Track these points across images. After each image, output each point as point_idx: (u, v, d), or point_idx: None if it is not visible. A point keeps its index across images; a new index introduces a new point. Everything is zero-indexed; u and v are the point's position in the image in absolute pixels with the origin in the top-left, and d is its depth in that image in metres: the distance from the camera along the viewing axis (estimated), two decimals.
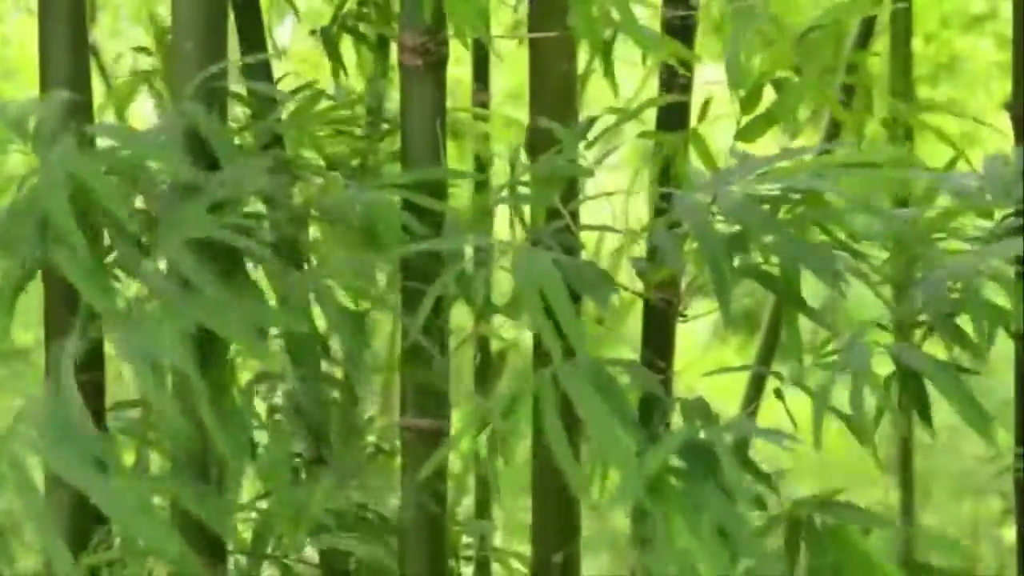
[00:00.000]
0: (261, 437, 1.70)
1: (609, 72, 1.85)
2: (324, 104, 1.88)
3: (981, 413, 1.49)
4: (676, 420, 1.51)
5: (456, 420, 1.70)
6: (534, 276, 1.46)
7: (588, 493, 1.43)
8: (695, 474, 1.40)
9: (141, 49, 2.29)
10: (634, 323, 1.97)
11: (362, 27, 2.08)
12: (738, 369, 2.22)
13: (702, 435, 1.43)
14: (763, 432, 1.45)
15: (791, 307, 1.55)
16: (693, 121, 1.91)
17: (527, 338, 1.78)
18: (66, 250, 1.47)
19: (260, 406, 1.76)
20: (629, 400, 1.45)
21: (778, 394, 1.56)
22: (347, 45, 2.19)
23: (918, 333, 1.59)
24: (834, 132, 2.62)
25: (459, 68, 2.30)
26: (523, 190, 1.72)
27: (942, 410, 1.55)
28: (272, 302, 1.56)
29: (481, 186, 2.23)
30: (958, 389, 1.50)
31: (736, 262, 1.51)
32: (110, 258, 1.54)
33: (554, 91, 1.77)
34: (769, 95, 1.80)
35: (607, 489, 1.42)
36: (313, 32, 2.06)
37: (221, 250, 1.52)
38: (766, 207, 1.53)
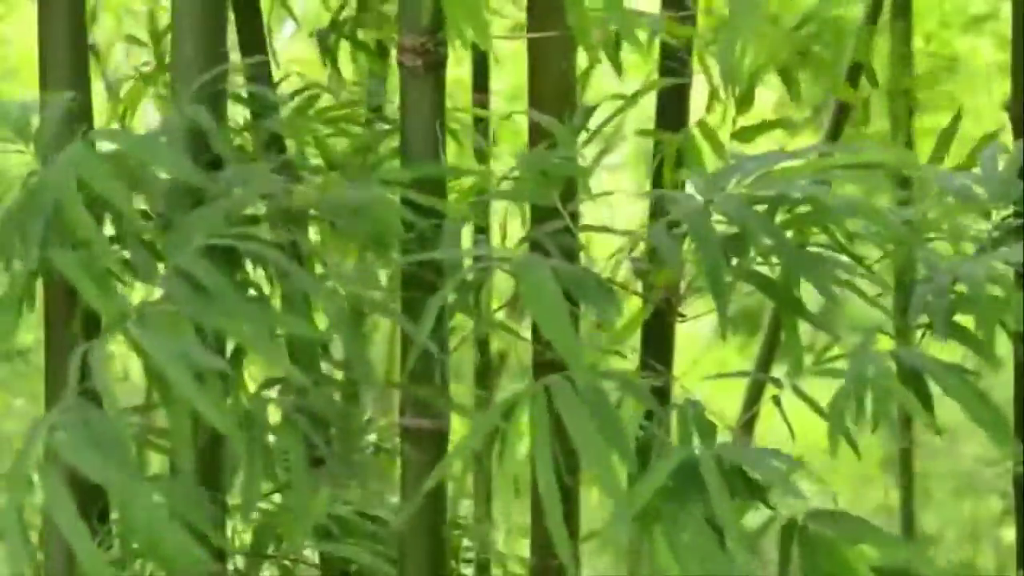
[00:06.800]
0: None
1: (616, 66, 1.84)
2: (323, 103, 1.88)
3: (993, 412, 1.48)
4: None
5: (456, 423, 1.69)
6: (534, 287, 1.46)
7: (562, 532, 1.42)
8: (683, 494, 1.40)
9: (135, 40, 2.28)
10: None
11: (360, 33, 2.07)
12: (737, 375, 2.21)
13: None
14: (755, 453, 1.44)
15: (789, 312, 1.53)
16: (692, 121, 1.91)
17: (527, 335, 1.76)
18: (68, 252, 1.46)
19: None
20: (621, 421, 1.44)
21: (776, 401, 1.55)
22: (345, 47, 2.19)
23: (917, 335, 1.58)
24: (835, 132, 2.62)
25: (459, 69, 2.30)
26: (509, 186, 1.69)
27: (941, 411, 1.55)
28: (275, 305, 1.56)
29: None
30: (967, 390, 1.49)
31: (734, 263, 1.50)
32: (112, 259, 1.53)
33: (553, 90, 1.76)
34: (763, 96, 1.79)
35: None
36: (312, 35, 2.05)
37: (223, 252, 1.52)
38: (763, 208, 1.52)
